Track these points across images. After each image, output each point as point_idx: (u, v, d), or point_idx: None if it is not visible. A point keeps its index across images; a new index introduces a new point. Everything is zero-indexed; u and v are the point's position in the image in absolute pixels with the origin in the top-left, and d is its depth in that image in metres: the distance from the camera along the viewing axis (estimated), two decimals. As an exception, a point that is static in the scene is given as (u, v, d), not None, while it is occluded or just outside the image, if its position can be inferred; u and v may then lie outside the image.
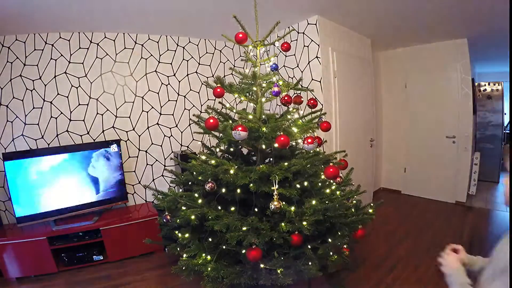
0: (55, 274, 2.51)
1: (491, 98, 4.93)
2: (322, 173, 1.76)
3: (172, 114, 3.43)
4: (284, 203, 1.58)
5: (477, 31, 3.37)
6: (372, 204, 1.83)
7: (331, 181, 1.79)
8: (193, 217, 1.58)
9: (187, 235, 1.72)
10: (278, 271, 1.45)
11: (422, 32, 3.53)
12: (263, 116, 1.78)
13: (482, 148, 4.87)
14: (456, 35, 3.62)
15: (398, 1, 2.57)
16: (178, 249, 1.81)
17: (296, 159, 1.67)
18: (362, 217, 1.66)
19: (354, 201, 1.91)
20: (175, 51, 3.41)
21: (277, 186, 1.45)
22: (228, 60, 3.83)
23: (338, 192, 1.78)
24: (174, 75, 3.42)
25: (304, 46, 3.11)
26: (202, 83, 3.53)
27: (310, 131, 1.70)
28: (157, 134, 3.34)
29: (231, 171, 1.55)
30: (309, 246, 1.59)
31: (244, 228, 1.48)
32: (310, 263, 1.53)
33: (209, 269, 1.52)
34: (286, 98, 1.65)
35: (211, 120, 1.52)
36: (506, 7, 2.40)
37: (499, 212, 3.57)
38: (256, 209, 1.59)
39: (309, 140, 1.46)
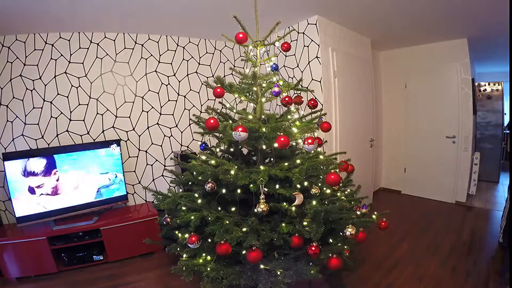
0: (55, 274, 2.51)
1: (491, 98, 4.93)
2: (322, 174, 1.76)
3: (172, 114, 3.43)
4: (285, 203, 1.58)
5: (477, 31, 3.37)
6: (376, 213, 1.82)
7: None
8: (192, 217, 1.58)
9: (187, 235, 1.72)
10: (278, 272, 1.45)
11: (422, 32, 3.53)
12: (263, 116, 1.77)
13: (482, 148, 4.87)
14: (456, 35, 3.62)
15: (398, 1, 2.57)
16: (178, 249, 1.81)
17: (298, 162, 1.66)
18: (364, 219, 1.66)
19: (353, 202, 1.91)
20: (175, 51, 3.41)
21: (265, 189, 1.46)
22: (228, 60, 3.83)
23: (338, 194, 1.78)
24: (174, 75, 3.42)
25: (304, 46, 3.11)
26: (202, 83, 3.53)
27: (310, 131, 1.70)
28: (157, 134, 3.34)
29: (232, 172, 1.55)
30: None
31: (244, 229, 1.48)
32: (310, 264, 1.53)
33: (208, 269, 1.52)
34: (286, 99, 1.65)
35: (212, 121, 1.52)
36: (506, 7, 2.40)
37: (499, 212, 3.56)
38: (256, 210, 1.59)
39: (309, 141, 1.46)
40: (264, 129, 1.55)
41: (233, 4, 2.46)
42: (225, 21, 2.84)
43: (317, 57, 3.00)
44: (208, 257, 1.60)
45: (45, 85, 2.80)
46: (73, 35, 2.87)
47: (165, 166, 3.40)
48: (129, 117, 3.18)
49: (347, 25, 3.28)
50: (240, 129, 1.39)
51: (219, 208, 1.75)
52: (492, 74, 5.84)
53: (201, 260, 1.59)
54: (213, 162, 1.72)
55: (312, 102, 2.03)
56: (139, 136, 3.24)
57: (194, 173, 1.83)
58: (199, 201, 1.76)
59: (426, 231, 3.10)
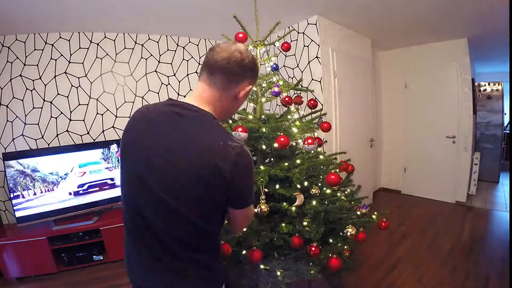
0: (55, 274, 2.51)
1: (491, 98, 4.93)
2: (322, 174, 1.75)
3: (172, 114, 3.42)
4: (285, 203, 1.58)
5: (477, 31, 3.37)
6: (376, 213, 1.82)
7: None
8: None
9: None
10: (278, 272, 1.45)
11: (422, 32, 3.53)
12: (263, 116, 1.77)
13: (482, 148, 4.87)
14: (456, 35, 3.62)
15: (398, 1, 2.57)
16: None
17: (298, 162, 1.66)
18: (364, 219, 1.66)
19: (353, 202, 1.91)
20: (175, 51, 3.41)
21: (265, 189, 1.46)
22: (228, 60, 3.82)
23: (338, 194, 1.78)
24: (174, 75, 3.42)
25: (304, 46, 3.11)
26: (202, 83, 3.52)
27: (310, 131, 1.70)
28: (157, 134, 3.33)
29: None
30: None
31: (244, 229, 1.48)
32: (310, 264, 1.53)
33: (209, 269, 1.52)
34: (286, 99, 1.65)
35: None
36: (506, 7, 2.40)
37: (499, 212, 3.57)
38: (256, 210, 1.59)
39: (310, 141, 1.46)
40: (264, 129, 1.55)
41: (233, 4, 2.46)
42: (225, 21, 2.84)
43: (317, 57, 3.00)
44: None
45: (45, 85, 2.80)
46: (73, 35, 2.87)
47: (165, 166, 3.40)
48: (129, 117, 3.17)
49: (347, 25, 3.28)
50: (240, 129, 1.39)
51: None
52: (492, 74, 5.83)
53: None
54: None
55: (312, 102, 2.03)
56: (139, 136, 3.24)
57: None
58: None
59: (426, 231, 3.10)
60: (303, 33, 3.09)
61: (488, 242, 2.82)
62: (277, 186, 1.59)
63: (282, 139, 1.43)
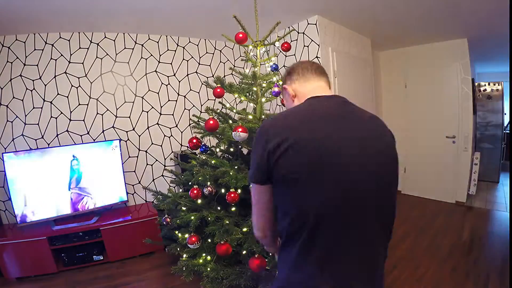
0: (55, 274, 2.51)
1: (491, 98, 4.93)
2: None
3: (172, 114, 3.43)
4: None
5: (477, 31, 3.37)
6: None
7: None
8: (192, 218, 1.58)
9: (187, 235, 1.72)
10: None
11: (422, 32, 3.53)
12: (263, 116, 1.78)
13: (482, 148, 4.87)
14: (456, 35, 3.62)
15: (398, 2, 2.56)
16: (178, 249, 1.81)
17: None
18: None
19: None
20: (175, 51, 3.41)
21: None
22: (228, 60, 3.83)
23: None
24: (174, 75, 3.42)
25: (304, 46, 3.11)
26: (202, 83, 3.52)
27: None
28: (157, 134, 3.34)
29: (230, 173, 1.55)
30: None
31: (245, 229, 1.48)
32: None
33: (208, 269, 1.52)
34: (286, 98, 1.65)
35: (211, 122, 1.52)
36: (506, 7, 2.40)
37: (499, 212, 3.57)
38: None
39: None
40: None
41: (233, 4, 2.46)
42: (225, 21, 2.84)
43: (317, 57, 3.00)
44: (208, 257, 1.60)
45: (45, 85, 2.80)
46: (73, 35, 2.87)
47: (165, 166, 3.40)
48: (129, 117, 3.18)
49: (347, 25, 3.27)
50: (240, 129, 1.39)
51: (219, 208, 1.75)
52: (492, 74, 5.83)
53: (201, 260, 1.59)
54: (213, 162, 1.72)
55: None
56: (139, 136, 3.24)
57: (194, 173, 1.83)
58: (199, 201, 1.76)
59: (426, 231, 3.10)
60: (303, 33, 3.09)
61: (488, 242, 2.82)
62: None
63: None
